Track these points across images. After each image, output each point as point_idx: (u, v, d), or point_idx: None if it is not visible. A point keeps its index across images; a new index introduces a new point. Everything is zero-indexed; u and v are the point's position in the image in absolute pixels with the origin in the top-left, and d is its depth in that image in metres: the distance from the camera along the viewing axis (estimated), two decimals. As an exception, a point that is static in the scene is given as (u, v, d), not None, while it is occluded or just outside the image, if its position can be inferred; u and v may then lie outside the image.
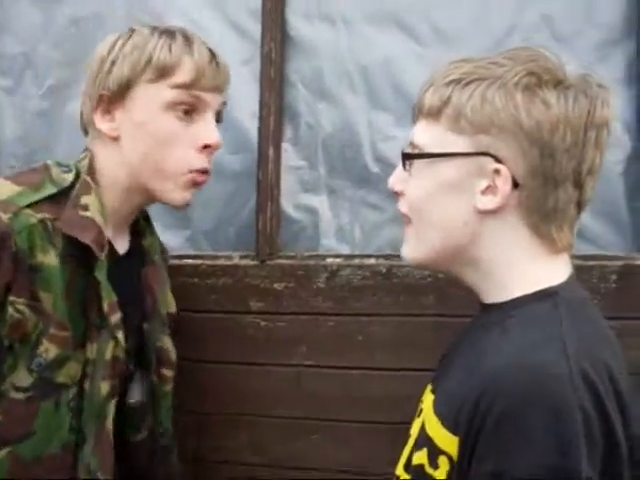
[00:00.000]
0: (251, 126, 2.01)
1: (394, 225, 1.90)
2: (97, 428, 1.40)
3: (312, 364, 1.85)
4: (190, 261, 1.96)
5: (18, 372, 1.34)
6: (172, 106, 1.40)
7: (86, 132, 1.48)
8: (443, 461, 1.06)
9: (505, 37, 1.87)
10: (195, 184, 1.45)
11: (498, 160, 1.07)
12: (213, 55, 1.43)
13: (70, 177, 1.40)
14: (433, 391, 1.19)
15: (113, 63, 1.40)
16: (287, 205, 1.99)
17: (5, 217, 1.30)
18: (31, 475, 1.35)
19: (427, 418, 1.14)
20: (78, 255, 1.36)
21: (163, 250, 1.69)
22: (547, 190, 1.07)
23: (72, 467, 1.39)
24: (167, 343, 1.59)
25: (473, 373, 1.04)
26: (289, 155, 1.99)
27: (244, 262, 1.94)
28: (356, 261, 1.87)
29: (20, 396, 1.34)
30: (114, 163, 1.43)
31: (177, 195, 1.44)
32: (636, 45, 1.80)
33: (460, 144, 1.10)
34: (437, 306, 1.79)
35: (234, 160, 2.03)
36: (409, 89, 1.91)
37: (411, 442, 1.18)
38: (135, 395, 1.54)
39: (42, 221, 1.33)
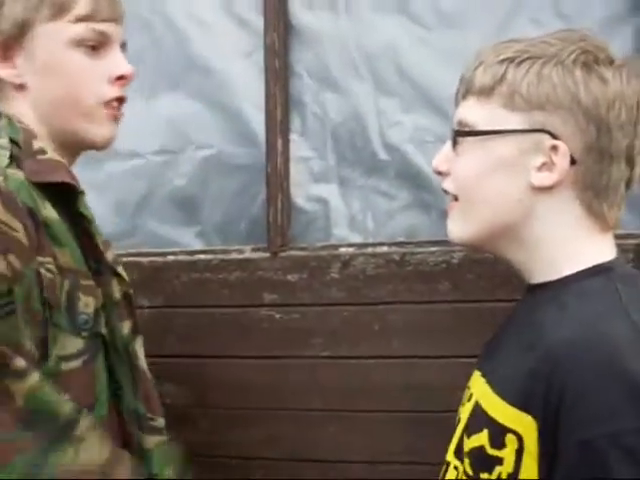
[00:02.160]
0: (257, 119, 1.99)
1: (406, 212, 1.89)
2: (132, 371, 1.35)
3: (328, 355, 1.84)
4: (202, 256, 1.95)
5: (63, 341, 1.24)
6: (77, 43, 1.32)
7: None
8: (510, 439, 1.04)
9: (510, 18, 1.84)
10: (114, 117, 1.37)
11: (554, 137, 1.07)
12: None
13: (4, 139, 1.30)
14: (484, 375, 1.17)
15: (2, 4, 1.31)
16: (297, 196, 1.98)
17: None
18: None
19: (484, 400, 1.12)
20: (60, 201, 1.28)
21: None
22: (602, 167, 1.07)
23: (118, 423, 1.33)
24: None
25: (535, 348, 1.03)
26: (297, 146, 1.98)
27: (256, 255, 1.93)
28: (369, 250, 1.86)
29: (76, 363, 1.26)
30: (27, 114, 1.34)
31: (100, 132, 1.36)
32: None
33: (514, 121, 1.09)
34: (452, 292, 1.77)
35: (242, 153, 2.03)
36: (414, 74, 1.90)
37: (461, 427, 1.17)
38: None
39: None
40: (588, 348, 0.97)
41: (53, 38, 1.32)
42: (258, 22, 1.98)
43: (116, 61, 1.37)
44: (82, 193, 1.31)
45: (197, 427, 1.90)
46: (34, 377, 1.16)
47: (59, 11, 1.31)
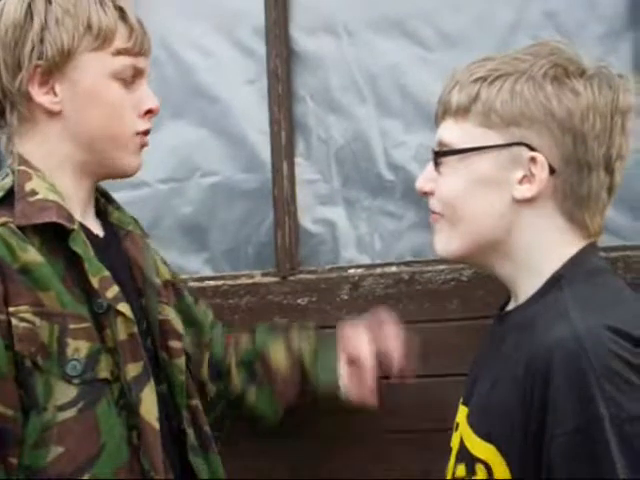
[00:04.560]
0: (262, 144, 2.01)
1: (413, 232, 1.90)
2: (135, 419, 1.29)
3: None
4: (211, 282, 1.95)
5: (55, 389, 1.22)
6: (117, 75, 1.35)
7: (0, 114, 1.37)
8: (480, 468, 1.09)
9: (510, 36, 1.86)
10: (142, 146, 1.41)
11: (532, 149, 1.10)
12: (138, 18, 1.38)
13: (8, 180, 1.32)
14: (465, 404, 1.20)
15: (43, 29, 1.30)
16: (304, 219, 1.98)
17: None
18: None
19: (464, 432, 1.16)
20: (53, 243, 1.28)
21: (135, 220, 1.56)
22: (581, 176, 1.10)
23: (140, 471, 1.28)
24: (169, 313, 1.47)
25: (503, 378, 1.08)
26: (303, 169, 1.99)
27: (266, 279, 1.93)
28: (378, 270, 1.87)
29: (70, 413, 1.22)
30: (55, 141, 1.35)
31: (132, 161, 1.40)
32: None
33: (491, 138, 1.12)
34: (462, 310, 1.78)
35: (248, 179, 2.04)
36: (417, 94, 1.91)
37: (453, 455, 1.20)
38: None
39: (4, 224, 1.24)
40: (547, 360, 0.99)
41: (96, 68, 1.34)
42: (260, 49, 2.00)
43: (146, 95, 1.40)
44: (74, 231, 1.29)
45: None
46: None
47: (102, 42, 1.33)
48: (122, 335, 1.30)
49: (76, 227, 1.30)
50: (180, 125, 2.07)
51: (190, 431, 1.44)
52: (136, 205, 2.05)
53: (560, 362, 0.98)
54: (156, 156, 2.03)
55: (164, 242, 2.07)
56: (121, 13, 1.35)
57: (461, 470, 1.14)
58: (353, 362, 1.61)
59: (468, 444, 1.13)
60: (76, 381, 1.24)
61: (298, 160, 1.99)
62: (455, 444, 1.19)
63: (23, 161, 1.33)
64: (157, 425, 1.31)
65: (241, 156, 2.04)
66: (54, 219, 1.27)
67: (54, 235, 1.28)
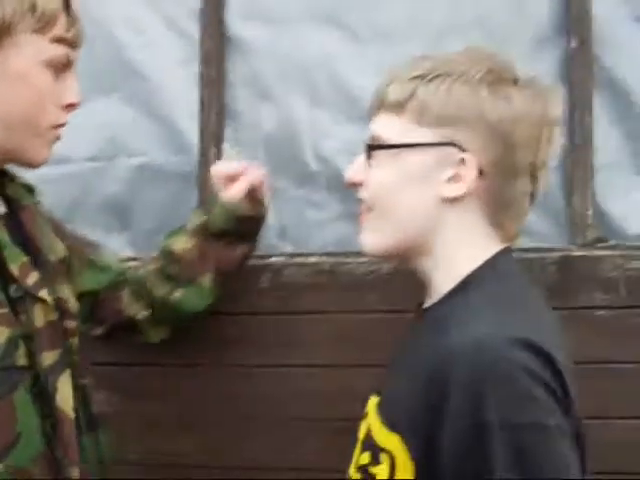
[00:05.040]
0: (191, 127, 2.00)
1: (337, 223, 1.91)
2: (51, 408, 1.27)
3: (257, 364, 1.85)
4: (132, 263, 1.93)
5: None
6: (52, 62, 1.30)
7: None
8: (384, 457, 1.10)
9: (441, 35, 1.88)
10: (57, 139, 1.37)
11: (463, 150, 1.12)
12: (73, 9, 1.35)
13: None
14: (378, 394, 1.22)
15: None
16: (229, 205, 1.97)
17: None
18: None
19: (372, 421, 1.18)
20: None
21: (30, 189, 1.50)
22: (506, 181, 1.13)
23: (54, 461, 1.26)
24: (64, 292, 1.41)
25: (419, 370, 1.08)
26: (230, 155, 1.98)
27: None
28: (299, 259, 1.88)
29: None
30: None
31: (43, 152, 1.35)
32: (567, 43, 1.83)
33: (425, 135, 1.14)
34: (382, 302, 1.80)
35: (174, 162, 2.02)
36: (349, 87, 1.92)
37: (359, 444, 1.21)
38: None
39: None
40: (449, 362, 1.01)
41: (33, 51, 1.28)
42: (194, 31, 1.99)
43: (72, 87, 1.35)
44: None
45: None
46: None
47: (44, 26, 1.28)
48: (39, 322, 1.28)
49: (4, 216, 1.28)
50: (109, 103, 2.04)
51: (80, 411, 1.41)
52: (59, 182, 2.03)
53: (459, 365, 0.99)
54: (82, 133, 2.01)
55: (88, 221, 2.05)
56: (66, 2, 1.31)
57: (365, 458, 1.15)
58: (230, 181, 1.69)
59: (374, 433, 1.14)
60: None
61: (226, 145, 1.99)
62: (362, 432, 1.21)
63: None
64: (72, 414, 1.29)
65: (167, 138, 2.02)
66: None
67: None
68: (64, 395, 1.29)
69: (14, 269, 1.27)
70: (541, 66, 1.82)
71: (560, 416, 0.98)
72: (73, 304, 1.43)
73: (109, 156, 2.04)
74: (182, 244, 1.69)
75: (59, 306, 1.39)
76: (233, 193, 1.66)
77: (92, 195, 2.04)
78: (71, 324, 1.41)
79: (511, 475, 0.95)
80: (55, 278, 1.41)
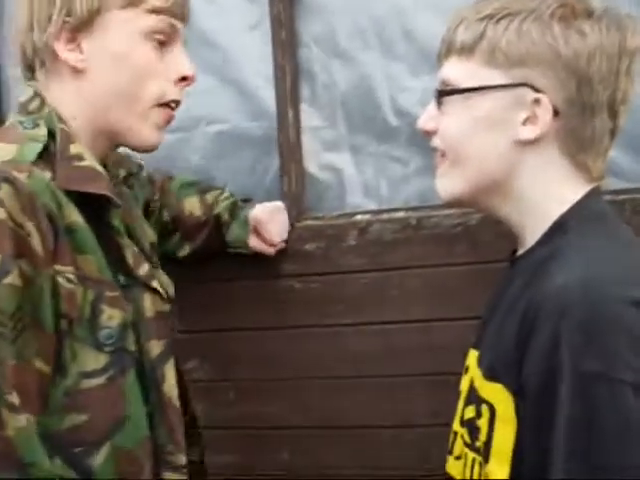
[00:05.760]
0: (267, 91, 1.99)
1: (420, 177, 1.89)
2: (157, 396, 1.29)
3: (349, 322, 1.86)
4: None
5: (84, 356, 1.20)
6: (150, 34, 1.29)
7: (30, 69, 1.33)
8: (484, 410, 1.10)
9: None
10: (167, 121, 1.36)
11: (537, 90, 1.09)
12: None
13: (43, 131, 1.26)
14: (476, 347, 1.22)
15: None
16: (310, 166, 1.98)
17: (23, 176, 1.15)
18: (141, 464, 1.25)
19: (474, 374, 1.17)
20: (88, 211, 1.24)
21: (129, 169, 1.52)
22: (585, 119, 1.10)
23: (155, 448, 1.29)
24: (160, 277, 1.43)
25: (516, 312, 1.07)
26: (308, 116, 1.98)
27: (272, 226, 1.93)
28: (385, 216, 1.87)
29: (98, 380, 1.21)
30: (75, 103, 1.30)
31: (151, 135, 1.34)
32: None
33: (496, 77, 1.12)
34: (469, 254, 1.78)
35: (253, 126, 2.03)
36: (422, 38, 1.88)
37: (462, 398, 1.21)
38: None
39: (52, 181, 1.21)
40: (540, 305, 1.01)
41: (126, 26, 1.29)
42: (263, -6, 1.98)
43: (182, 61, 1.35)
44: (118, 207, 1.27)
45: (224, 400, 1.92)
46: (27, 417, 1.12)
47: (134, 0, 1.28)
48: (149, 312, 1.31)
49: (122, 204, 1.29)
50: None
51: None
52: (144, 156, 2.05)
53: (547, 307, 0.99)
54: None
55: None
56: None
57: (470, 411, 1.15)
58: (259, 234, 1.82)
59: (477, 386, 1.14)
60: (108, 349, 1.22)
61: (303, 107, 1.98)
62: (465, 387, 1.21)
63: (61, 120, 1.29)
64: (178, 403, 1.32)
65: (245, 103, 2.03)
66: (106, 192, 1.25)
67: (89, 204, 1.25)
68: (170, 383, 1.32)
69: (129, 258, 1.30)
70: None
71: None
72: (169, 288, 1.45)
73: (189, 126, 2.04)
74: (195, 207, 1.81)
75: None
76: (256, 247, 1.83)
77: (175, 167, 2.06)
78: (165, 307, 1.42)
79: (571, 425, 0.95)
80: (154, 265, 1.44)
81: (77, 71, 1.29)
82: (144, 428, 1.27)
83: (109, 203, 1.27)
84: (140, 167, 1.60)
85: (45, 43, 1.28)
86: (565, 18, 1.09)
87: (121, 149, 1.44)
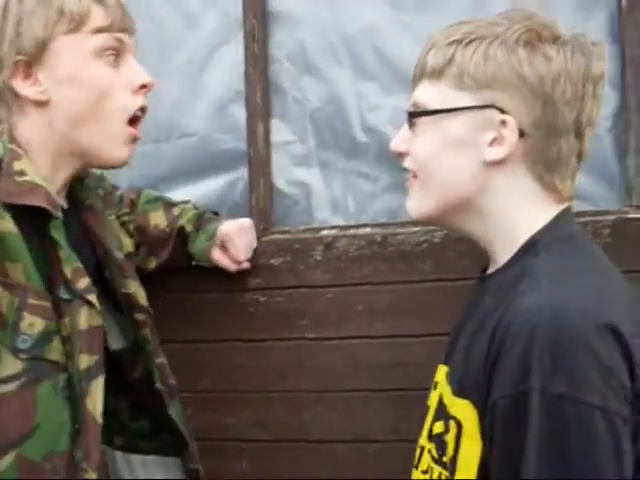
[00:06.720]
0: (237, 105, 2.01)
1: (388, 194, 1.91)
2: (80, 410, 1.27)
3: (313, 337, 1.87)
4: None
5: (4, 361, 1.20)
6: (100, 52, 1.33)
7: None
8: (452, 425, 1.12)
9: (486, 1, 1.86)
10: (134, 138, 1.39)
11: (503, 112, 1.12)
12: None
13: None
14: (445, 363, 1.23)
15: (18, 24, 1.30)
16: (279, 181, 1.99)
17: None
18: (46, 477, 1.22)
19: (442, 389, 1.19)
20: (29, 222, 1.25)
21: (104, 189, 1.60)
22: (550, 140, 1.12)
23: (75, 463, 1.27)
24: (132, 287, 1.50)
25: (485, 331, 1.09)
26: (278, 131, 1.99)
27: (239, 240, 1.93)
28: (351, 232, 1.88)
29: (11, 387, 1.20)
30: (41, 131, 1.33)
31: (119, 152, 1.37)
32: (617, 0, 1.79)
33: (465, 100, 1.15)
34: (434, 271, 1.80)
35: (223, 139, 2.03)
36: (393, 57, 1.91)
37: (431, 413, 1.22)
38: (116, 341, 1.48)
39: None
40: (508, 326, 1.02)
41: (75, 50, 1.32)
42: (236, 10, 1.99)
43: (137, 70, 1.38)
44: (56, 218, 1.28)
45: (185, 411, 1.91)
46: None
47: (77, 25, 1.31)
48: (83, 325, 1.30)
49: (60, 216, 1.29)
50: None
51: (162, 387, 1.53)
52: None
53: (517, 328, 1.00)
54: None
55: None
56: None
57: (439, 427, 1.16)
58: (226, 249, 1.82)
59: (447, 402, 1.15)
60: (23, 356, 1.21)
61: (273, 121, 1.99)
62: (433, 402, 1.22)
63: (13, 140, 1.32)
64: (100, 420, 1.30)
65: (216, 117, 2.03)
66: (42, 204, 1.26)
67: (31, 217, 1.26)
68: (95, 399, 1.29)
69: (67, 271, 1.29)
70: (591, 25, 1.79)
71: (614, 400, 0.96)
72: (142, 297, 1.51)
73: (158, 139, 2.05)
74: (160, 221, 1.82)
75: (128, 301, 1.49)
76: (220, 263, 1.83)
77: (144, 179, 2.05)
78: (140, 317, 1.51)
79: (540, 443, 0.96)
80: (123, 274, 1.49)
81: (41, 104, 1.33)
82: (59, 443, 1.24)
83: (49, 216, 1.28)
84: (114, 187, 1.71)
85: (3, 84, 1.32)
86: (531, 42, 1.12)
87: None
